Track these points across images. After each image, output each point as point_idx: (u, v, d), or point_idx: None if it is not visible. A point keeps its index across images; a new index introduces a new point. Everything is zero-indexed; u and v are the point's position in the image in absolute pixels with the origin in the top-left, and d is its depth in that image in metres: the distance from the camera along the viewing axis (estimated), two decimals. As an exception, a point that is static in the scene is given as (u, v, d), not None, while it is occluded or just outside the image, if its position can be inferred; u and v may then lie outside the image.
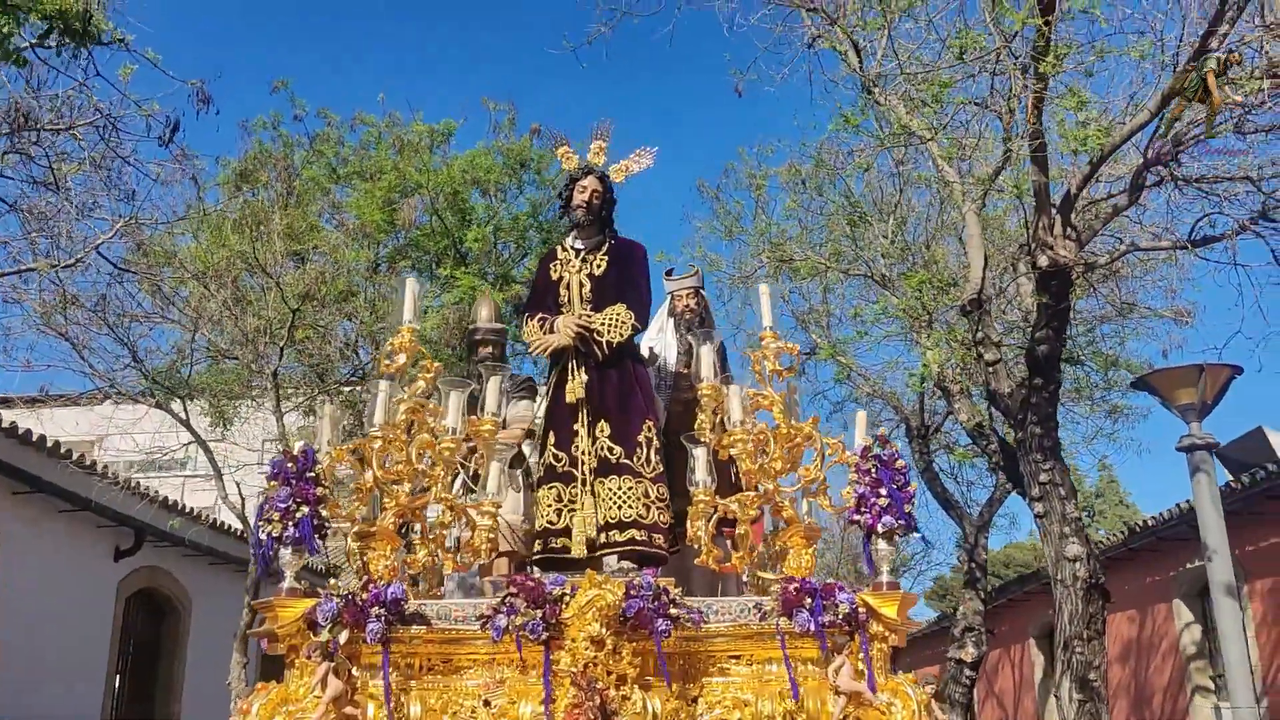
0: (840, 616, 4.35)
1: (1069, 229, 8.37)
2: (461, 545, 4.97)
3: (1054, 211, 8.34)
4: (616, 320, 5.30)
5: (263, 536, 4.46)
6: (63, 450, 11.52)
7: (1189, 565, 13.47)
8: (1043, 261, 8.37)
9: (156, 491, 13.45)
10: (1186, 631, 14.26)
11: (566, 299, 5.49)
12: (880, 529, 4.52)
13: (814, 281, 13.47)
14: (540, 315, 5.49)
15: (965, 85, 8.53)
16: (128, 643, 13.53)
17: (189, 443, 12.52)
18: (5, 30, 6.49)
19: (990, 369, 9.54)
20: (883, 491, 4.54)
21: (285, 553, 4.48)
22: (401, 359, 5.12)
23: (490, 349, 6.62)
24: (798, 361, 5.22)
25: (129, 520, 12.67)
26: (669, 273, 6.52)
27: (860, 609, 4.39)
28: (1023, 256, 9.68)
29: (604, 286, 5.44)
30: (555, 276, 5.57)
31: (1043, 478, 8.72)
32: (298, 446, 4.59)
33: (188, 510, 13.73)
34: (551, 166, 14.38)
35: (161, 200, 10.72)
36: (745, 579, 5.78)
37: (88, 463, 11.98)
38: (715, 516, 4.86)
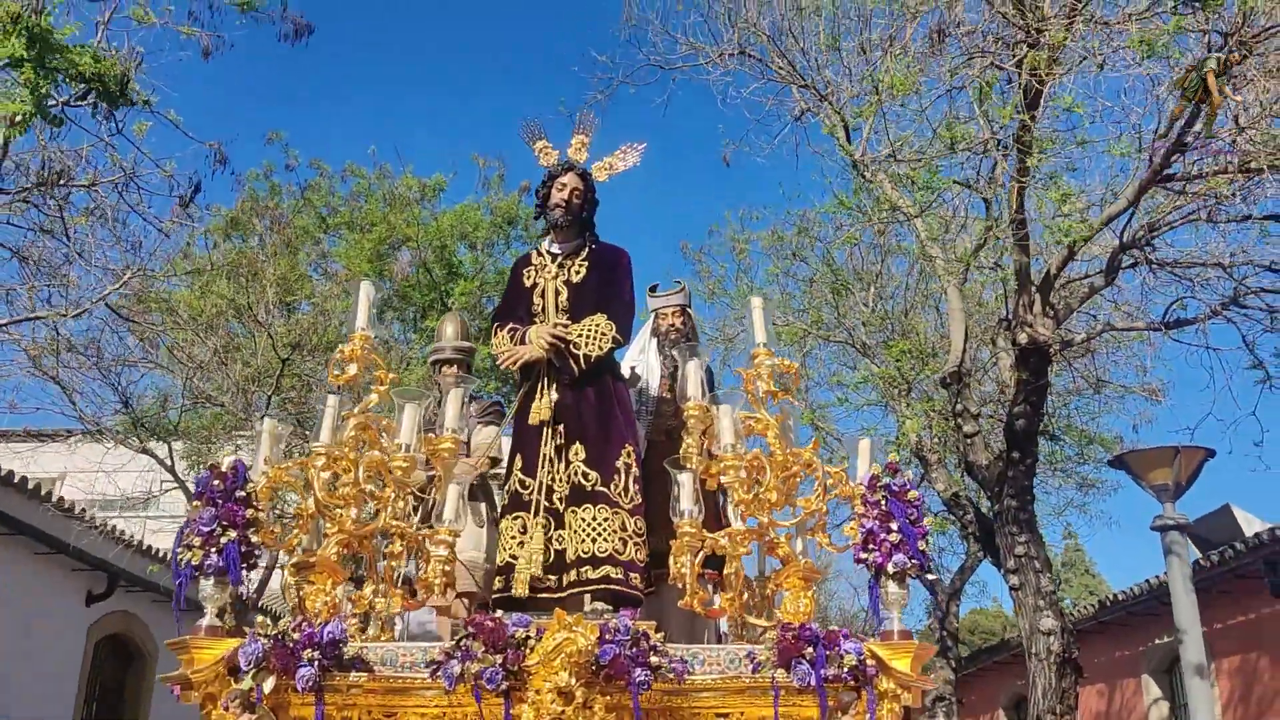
0: (846, 669, 3.79)
1: (1048, 308, 8.68)
2: (414, 581, 4.38)
3: (1034, 290, 8.62)
4: (595, 332, 4.74)
5: (180, 564, 3.87)
6: (43, 492, 11.38)
7: (1158, 641, 13.52)
8: (1022, 339, 8.67)
9: (131, 535, 13.16)
10: (1155, 708, 14.29)
11: (540, 308, 4.93)
12: (891, 568, 3.96)
13: (793, 346, 13.47)
14: (511, 325, 4.92)
15: (951, 165, 8.85)
16: (94, 687, 13.16)
17: (172, 486, 12.50)
18: (44, 91, 6.67)
19: (968, 441, 9.84)
20: (894, 526, 3.98)
21: (206, 584, 3.88)
22: (352, 369, 4.56)
23: (455, 369, 6.07)
24: (795, 381, 4.65)
25: (104, 565, 12.47)
26: (653, 288, 5.99)
27: (869, 661, 3.83)
28: (1001, 331, 9.91)
29: (583, 295, 4.88)
30: (529, 283, 5.01)
31: (1018, 550, 8.82)
32: (226, 461, 4.00)
33: (158, 554, 13.31)
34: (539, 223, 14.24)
35: (161, 249, 10.68)
36: (724, 628, 5.23)
37: (53, 499, 11.73)
38: (702, 553, 4.29)
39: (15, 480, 10.95)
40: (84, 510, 12.53)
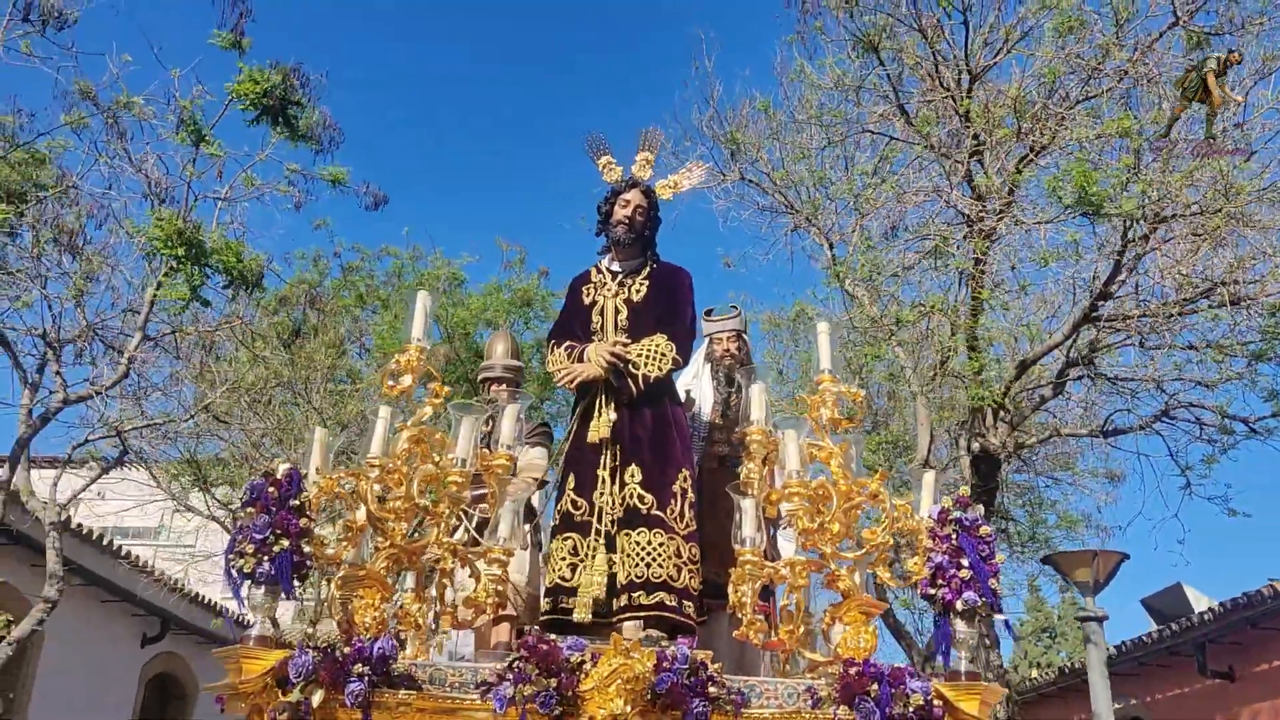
0: (912, 710, 3.64)
1: (999, 419, 10.20)
2: (463, 600, 4.27)
3: (986, 407, 9.95)
4: (655, 352, 4.63)
5: (234, 572, 3.77)
6: (115, 547, 12.43)
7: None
8: (975, 447, 10.22)
9: (180, 581, 14.01)
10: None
11: (599, 326, 4.83)
12: (960, 606, 3.82)
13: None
14: (569, 343, 4.82)
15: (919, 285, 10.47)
16: (144, 723, 14.01)
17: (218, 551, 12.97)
18: (196, 282, 8.46)
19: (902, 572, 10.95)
20: (964, 562, 3.85)
21: (257, 593, 3.78)
22: (406, 381, 4.47)
23: (504, 387, 5.97)
24: (861, 410, 4.52)
25: (160, 610, 13.41)
26: (709, 312, 5.88)
27: (935, 702, 3.68)
28: (962, 434, 11.08)
29: (643, 314, 4.77)
30: (588, 300, 4.91)
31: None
32: (282, 469, 3.92)
33: (207, 601, 14.36)
34: (554, 304, 14.94)
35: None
36: (771, 662, 5.08)
37: (104, 542, 12.46)
38: (761, 582, 4.15)
39: (94, 537, 11.96)
40: (138, 557, 13.23)
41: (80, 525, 11.69)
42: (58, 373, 9.05)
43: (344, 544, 4.31)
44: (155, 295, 8.91)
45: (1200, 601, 12.33)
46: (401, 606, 4.33)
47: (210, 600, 14.55)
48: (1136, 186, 8.59)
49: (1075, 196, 8.43)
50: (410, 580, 4.37)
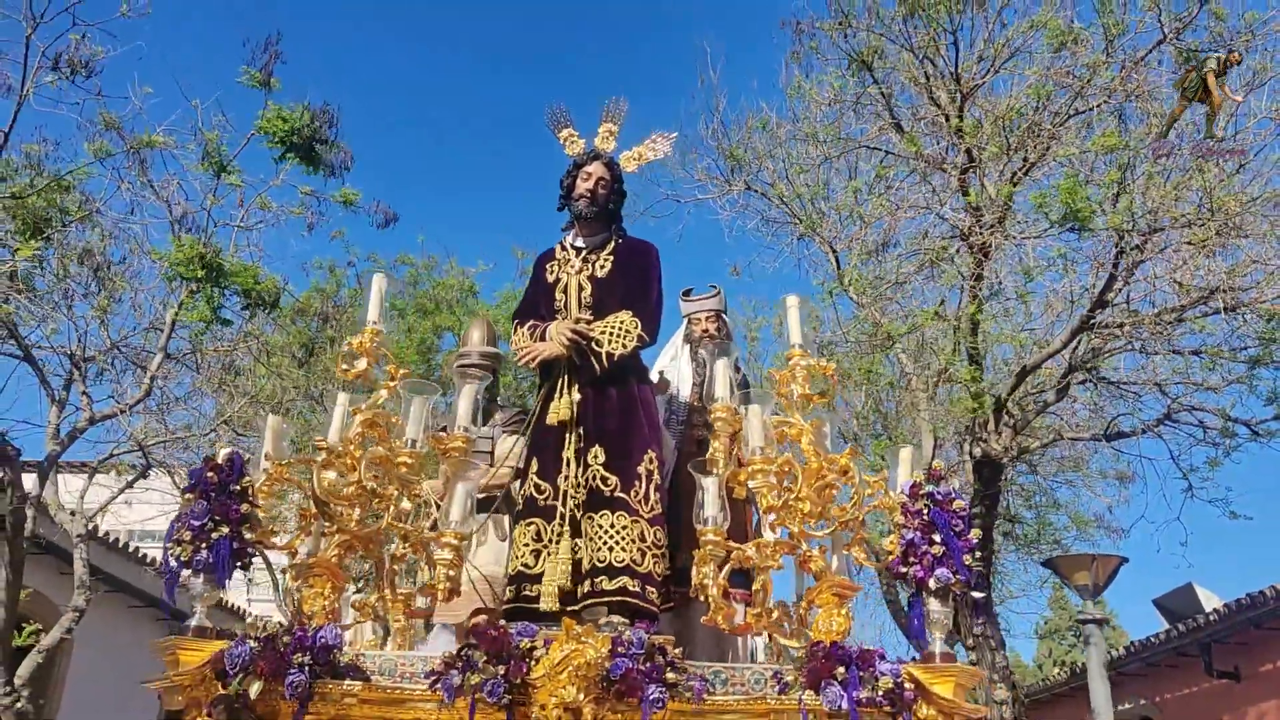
0: (881, 693, 3.45)
1: (1001, 424, 10.21)
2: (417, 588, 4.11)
3: (989, 412, 10.01)
4: (620, 329, 4.44)
5: (172, 562, 3.63)
6: (140, 554, 12.82)
7: (1122, 707, 14.59)
8: (976, 453, 10.21)
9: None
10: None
11: (563, 304, 4.64)
12: (933, 584, 3.63)
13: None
14: (532, 322, 4.65)
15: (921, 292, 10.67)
16: (165, 726, 13.89)
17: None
18: (216, 303, 8.66)
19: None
20: (937, 538, 3.65)
21: (196, 582, 3.63)
22: (362, 364, 4.32)
23: (481, 377, 5.81)
24: (834, 386, 4.33)
25: (185, 615, 13.22)
26: (687, 292, 5.71)
27: (907, 684, 3.49)
28: (965, 439, 11.01)
29: (607, 291, 4.59)
30: (551, 278, 4.73)
31: (976, 630, 9.95)
32: (223, 454, 3.77)
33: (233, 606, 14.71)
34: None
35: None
36: (761, 656, 4.91)
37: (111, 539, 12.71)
38: (729, 565, 3.97)
39: (111, 541, 12.30)
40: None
41: (107, 534, 11.92)
42: (84, 392, 9.21)
43: (299, 534, 4.17)
44: (176, 316, 9.14)
45: (1211, 601, 12.48)
46: (359, 597, 4.19)
47: (234, 605, 14.66)
48: (1123, 201, 8.86)
49: (1062, 213, 8.66)
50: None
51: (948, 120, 9.86)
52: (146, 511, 14.41)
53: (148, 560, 12.55)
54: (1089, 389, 11.17)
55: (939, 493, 3.74)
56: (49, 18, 8.03)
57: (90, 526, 9.85)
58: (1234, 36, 9.25)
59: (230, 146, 9.04)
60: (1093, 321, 9.52)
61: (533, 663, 3.44)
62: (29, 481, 8.77)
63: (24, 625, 9.02)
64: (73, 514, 9.44)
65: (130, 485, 11.18)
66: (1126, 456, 12.22)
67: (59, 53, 8.27)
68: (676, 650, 3.60)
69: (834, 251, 10.66)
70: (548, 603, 4.14)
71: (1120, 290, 9.47)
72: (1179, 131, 9.27)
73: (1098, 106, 9.60)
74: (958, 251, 9.89)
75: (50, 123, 8.54)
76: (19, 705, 7.95)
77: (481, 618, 4.61)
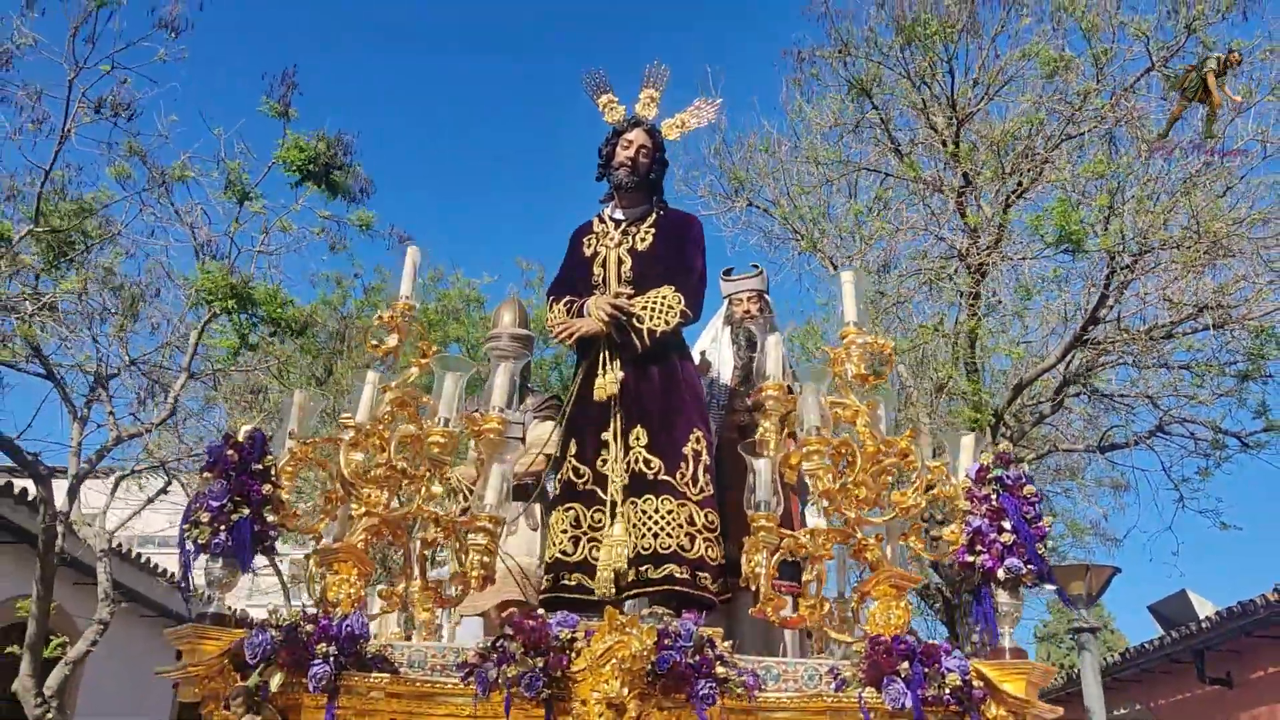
0: (948, 691, 3.20)
1: (999, 435, 10.11)
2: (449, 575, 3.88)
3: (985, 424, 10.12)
4: (662, 304, 4.20)
5: (188, 545, 3.41)
6: (153, 565, 12.71)
7: (1118, 712, 14.90)
8: None
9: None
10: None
11: (601, 279, 4.39)
12: (1002, 575, 3.37)
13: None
14: (568, 297, 4.41)
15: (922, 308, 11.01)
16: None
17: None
18: (244, 330, 9.08)
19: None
20: (1006, 525, 3.40)
21: (215, 567, 3.41)
22: (393, 340, 4.09)
23: (517, 357, 5.58)
24: (891, 364, 4.07)
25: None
26: (727, 272, 5.46)
27: (975, 682, 3.24)
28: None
29: (648, 265, 4.34)
30: (589, 252, 4.49)
31: (974, 638, 10.39)
32: (243, 430, 3.55)
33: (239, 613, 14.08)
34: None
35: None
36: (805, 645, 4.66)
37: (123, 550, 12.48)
38: (779, 554, 3.71)
39: (125, 552, 12.12)
40: (174, 575, 13.38)
41: (120, 545, 11.87)
42: (110, 412, 9.31)
43: (323, 517, 3.95)
44: (200, 339, 9.39)
45: (1205, 607, 12.71)
46: (388, 586, 3.97)
47: (238, 610, 14.48)
48: (1114, 225, 9.32)
49: (1056, 235, 9.08)
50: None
51: (945, 145, 10.24)
52: (157, 521, 14.45)
53: (159, 570, 12.60)
54: (1083, 401, 11.49)
55: (1009, 476, 3.48)
56: (91, 64, 8.45)
57: (114, 544, 10.01)
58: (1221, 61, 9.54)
59: (251, 174, 9.41)
60: (1086, 338, 9.92)
61: (573, 655, 3.21)
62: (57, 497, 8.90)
63: (51, 638, 9.04)
64: (96, 531, 9.52)
65: (151, 501, 11.41)
66: (1120, 467, 12.60)
67: (101, 97, 8.73)
68: (726, 644, 3.36)
69: (835, 268, 10.76)
70: (603, 588, 3.91)
71: (1112, 307, 9.87)
72: (1167, 154, 9.63)
73: (1089, 130, 9.98)
74: (955, 271, 10.25)
75: (70, 147, 8.84)
76: (49, 716, 8.01)
77: (513, 609, 4.38)
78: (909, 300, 10.56)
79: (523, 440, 5.43)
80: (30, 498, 9.84)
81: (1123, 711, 14.40)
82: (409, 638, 4.42)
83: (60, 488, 8.79)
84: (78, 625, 9.94)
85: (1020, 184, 9.97)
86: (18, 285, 8.58)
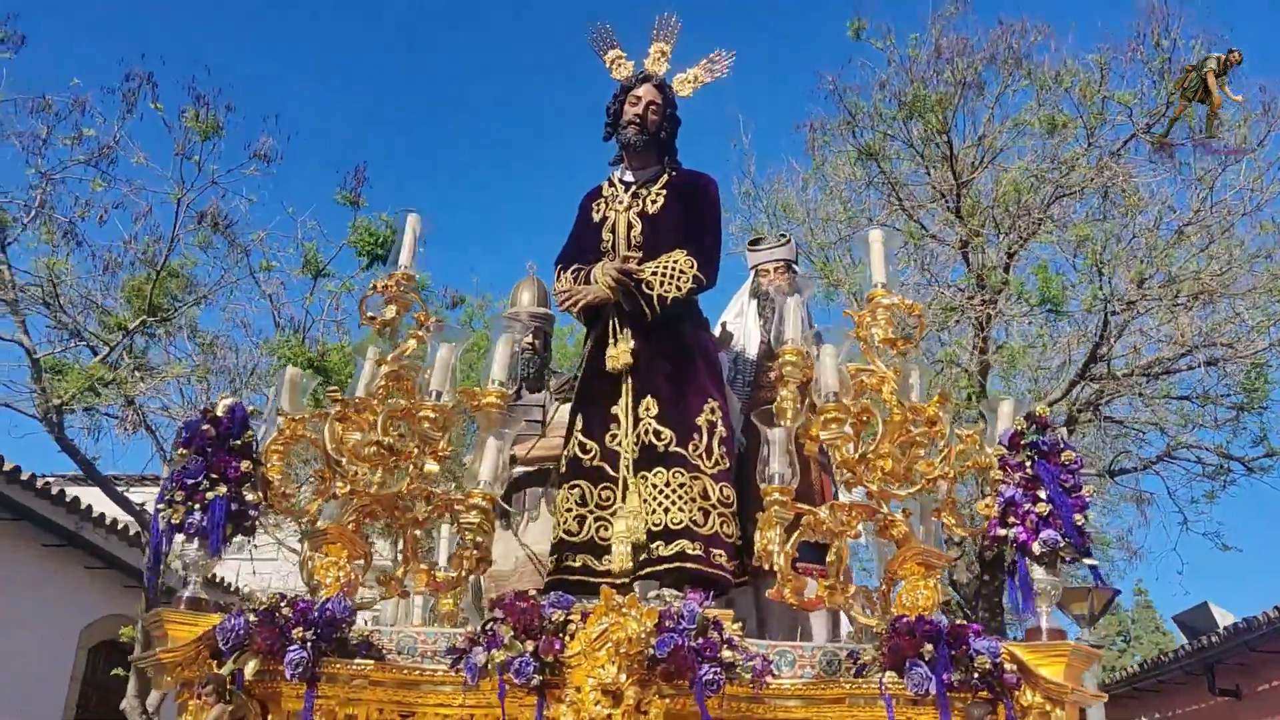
0: (977, 675, 2.90)
1: None
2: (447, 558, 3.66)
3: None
4: (673, 270, 3.94)
5: (161, 525, 3.22)
6: (107, 520, 11.83)
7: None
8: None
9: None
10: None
11: (610, 244, 4.14)
12: (1038, 548, 3.06)
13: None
14: (575, 265, 4.16)
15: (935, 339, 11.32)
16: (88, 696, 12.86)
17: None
18: (320, 397, 10.21)
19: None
20: (1042, 495, 3.09)
21: (190, 548, 3.22)
22: (390, 312, 3.88)
23: (531, 339, 5.36)
24: (921, 328, 3.78)
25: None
26: (755, 242, 5.17)
27: (1007, 665, 2.93)
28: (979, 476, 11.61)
29: (660, 228, 4.08)
30: (598, 217, 4.23)
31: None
32: (222, 405, 3.36)
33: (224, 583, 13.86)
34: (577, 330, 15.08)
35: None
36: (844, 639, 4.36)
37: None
38: (800, 533, 3.43)
39: (68, 500, 11.49)
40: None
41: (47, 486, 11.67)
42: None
43: (316, 497, 3.74)
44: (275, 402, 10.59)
45: (1226, 618, 13.28)
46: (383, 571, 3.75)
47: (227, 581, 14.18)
48: (1090, 290, 10.27)
49: (1040, 298, 10.08)
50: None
51: (947, 207, 10.98)
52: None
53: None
54: (1094, 427, 11.85)
55: (1044, 442, 3.17)
56: (200, 187, 10.02)
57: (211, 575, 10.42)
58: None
59: (324, 250, 10.85)
60: (1089, 374, 10.58)
61: (567, 638, 2.97)
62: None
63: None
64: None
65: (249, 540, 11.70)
66: (1127, 492, 12.96)
67: (202, 211, 10.28)
68: (735, 626, 3.09)
69: (859, 302, 10.92)
70: (621, 562, 3.65)
71: (1112, 346, 10.52)
72: (1158, 214, 10.33)
73: (1080, 189, 10.67)
74: (956, 322, 10.96)
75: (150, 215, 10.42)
76: None
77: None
78: (923, 337, 11.13)
79: (542, 423, 5.22)
80: (120, 526, 10.96)
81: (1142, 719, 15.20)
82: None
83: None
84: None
85: (1012, 247, 10.71)
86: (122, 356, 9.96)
